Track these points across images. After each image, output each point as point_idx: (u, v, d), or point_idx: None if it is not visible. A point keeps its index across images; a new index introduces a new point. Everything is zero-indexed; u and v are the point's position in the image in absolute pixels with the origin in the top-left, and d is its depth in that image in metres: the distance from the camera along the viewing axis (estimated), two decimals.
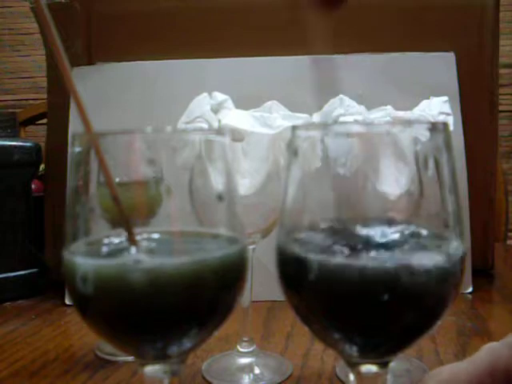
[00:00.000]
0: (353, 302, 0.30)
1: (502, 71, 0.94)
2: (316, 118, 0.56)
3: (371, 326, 0.31)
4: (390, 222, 0.32)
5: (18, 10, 2.42)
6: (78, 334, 0.70)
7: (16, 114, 0.93)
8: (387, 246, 0.32)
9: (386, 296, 0.29)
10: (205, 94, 0.55)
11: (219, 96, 0.55)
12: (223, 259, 0.32)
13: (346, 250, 0.32)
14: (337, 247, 0.32)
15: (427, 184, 0.32)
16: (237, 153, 0.51)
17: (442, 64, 0.83)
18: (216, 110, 0.54)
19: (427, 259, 0.30)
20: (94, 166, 0.32)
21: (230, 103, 0.55)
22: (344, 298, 0.30)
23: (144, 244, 0.33)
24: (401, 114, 0.55)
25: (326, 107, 0.56)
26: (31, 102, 2.32)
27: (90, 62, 0.86)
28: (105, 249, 0.33)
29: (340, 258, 0.30)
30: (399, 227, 0.32)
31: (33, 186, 0.89)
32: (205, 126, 0.53)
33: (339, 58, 0.83)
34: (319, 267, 0.30)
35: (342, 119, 0.54)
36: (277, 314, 0.74)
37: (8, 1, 2.46)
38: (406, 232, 0.32)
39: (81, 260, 0.31)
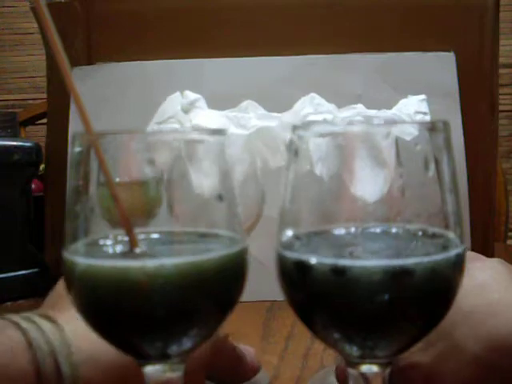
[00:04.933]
0: (352, 304, 0.30)
1: (501, 71, 0.94)
2: (286, 117, 0.54)
3: (371, 327, 0.31)
4: (390, 223, 0.33)
5: (18, 10, 2.42)
6: None
7: (16, 114, 0.93)
8: (387, 247, 0.32)
9: (385, 297, 0.29)
10: (177, 93, 0.54)
11: (191, 95, 0.53)
12: (223, 259, 0.32)
13: (345, 252, 0.32)
14: (336, 249, 0.32)
15: (427, 184, 0.32)
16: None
17: (442, 64, 0.82)
18: (187, 109, 0.52)
19: (427, 259, 0.30)
20: (93, 166, 0.32)
21: (202, 102, 0.54)
22: (344, 300, 0.30)
23: (144, 244, 0.33)
24: (373, 112, 0.53)
25: (296, 106, 0.54)
26: (31, 102, 2.32)
27: (90, 62, 0.86)
28: (105, 249, 0.33)
29: (339, 259, 0.30)
30: (399, 227, 0.32)
31: (33, 186, 0.89)
32: (177, 126, 0.51)
33: (339, 57, 0.83)
34: (318, 269, 0.30)
35: (310, 118, 0.52)
36: (277, 314, 0.74)
37: (8, 1, 2.45)
38: (406, 232, 0.32)
39: (81, 260, 0.31)
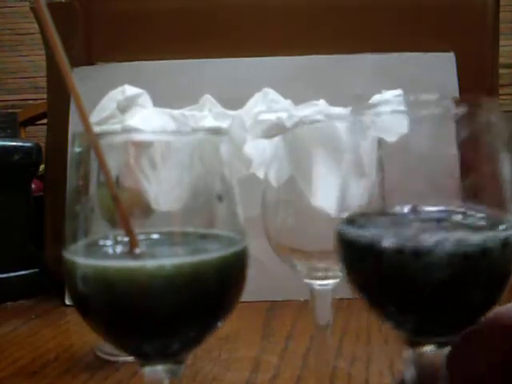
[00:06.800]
0: (415, 285, 0.30)
1: (501, 71, 0.94)
2: (238, 116, 0.48)
3: (433, 307, 0.31)
4: (446, 207, 0.33)
5: (18, 10, 2.42)
6: (77, 333, 0.70)
7: (16, 114, 0.93)
8: (453, 228, 0.32)
9: (459, 278, 0.30)
10: (119, 89, 0.48)
11: (130, 90, 0.47)
12: (223, 259, 0.32)
13: (408, 234, 0.31)
14: (398, 232, 0.32)
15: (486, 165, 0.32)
16: (154, 160, 0.41)
17: (442, 64, 0.82)
18: (124, 107, 0.46)
19: (499, 237, 0.30)
20: (94, 165, 0.32)
21: (145, 99, 0.47)
22: (407, 282, 0.30)
23: (144, 244, 0.33)
24: (337, 110, 0.48)
25: (250, 103, 0.49)
26: (31, 102, 2.32)
27: (90, 62, 0.86)
28: (105, 249, 0.33)
29: (403, 241, 0.30)
30: (454, 211, 0.32)
31: (33, 186, 0.89)
32: (117, 127, 0.45)
33: (339, 58, 0.83)
34: (390, 250, 0.30)
35: (262, 117, 0.47)
36: (277, 314, 0.73)
37: (8, 1, 2.46)
38: (463, 214, 0.32)
39: (81, 260, 0.31)
